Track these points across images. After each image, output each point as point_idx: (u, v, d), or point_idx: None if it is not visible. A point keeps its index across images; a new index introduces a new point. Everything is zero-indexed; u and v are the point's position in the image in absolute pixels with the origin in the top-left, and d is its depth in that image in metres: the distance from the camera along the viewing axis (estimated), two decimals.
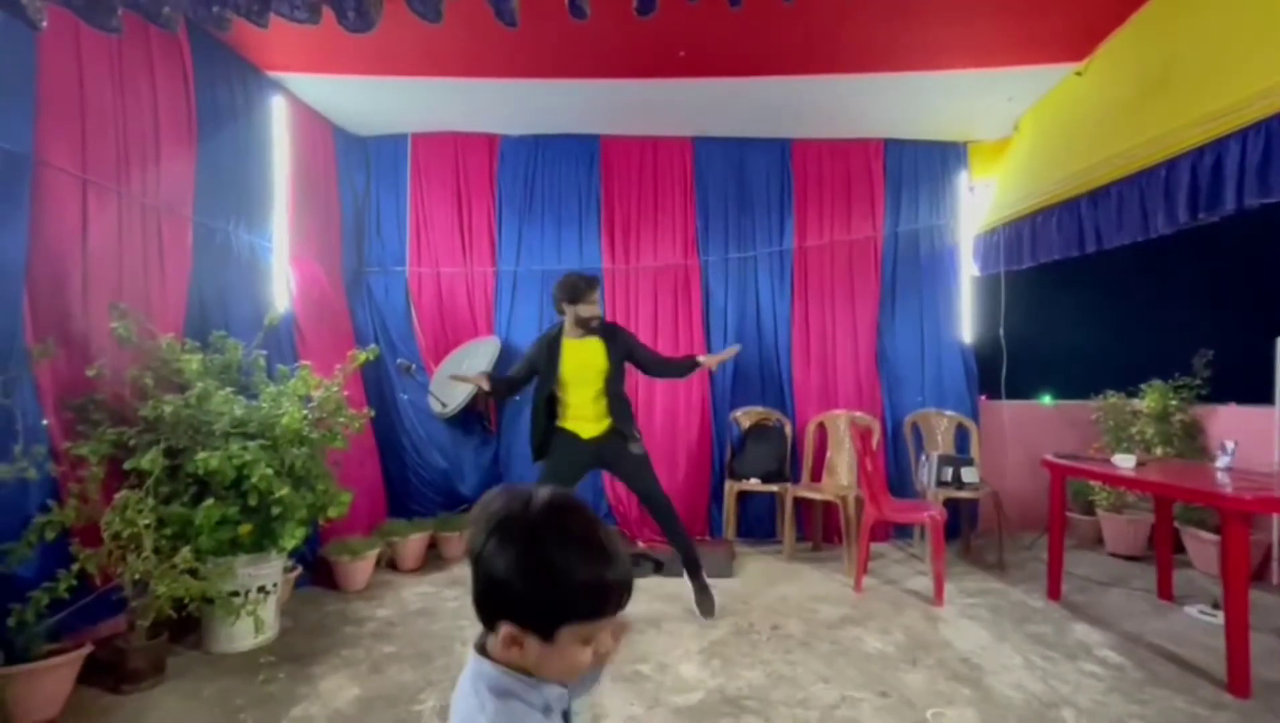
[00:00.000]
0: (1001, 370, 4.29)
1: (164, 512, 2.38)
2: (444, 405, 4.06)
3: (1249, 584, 2.34)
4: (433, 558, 3.89)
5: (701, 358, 3.26)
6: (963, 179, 4.51)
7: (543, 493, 0.81)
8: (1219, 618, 2.89)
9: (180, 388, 2.61)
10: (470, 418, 4.25)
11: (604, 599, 0.79)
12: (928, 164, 4.50)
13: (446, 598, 3.31)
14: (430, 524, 3.91)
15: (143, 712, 2.18)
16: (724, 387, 4.41)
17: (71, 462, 2.31)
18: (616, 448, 3.13)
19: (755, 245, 4.49)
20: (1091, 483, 4.01)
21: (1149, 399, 4.03)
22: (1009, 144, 4.37)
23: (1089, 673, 2.47)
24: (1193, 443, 3.92)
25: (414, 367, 4.20)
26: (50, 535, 2.18)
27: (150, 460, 2.34)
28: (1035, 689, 2.34)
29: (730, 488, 4.14)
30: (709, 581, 3.15)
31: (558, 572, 0.77)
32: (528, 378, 3.27)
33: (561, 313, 3.18)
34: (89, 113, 2.54)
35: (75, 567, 2.16)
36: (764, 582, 3.55)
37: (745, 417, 4.35)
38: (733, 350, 3.47)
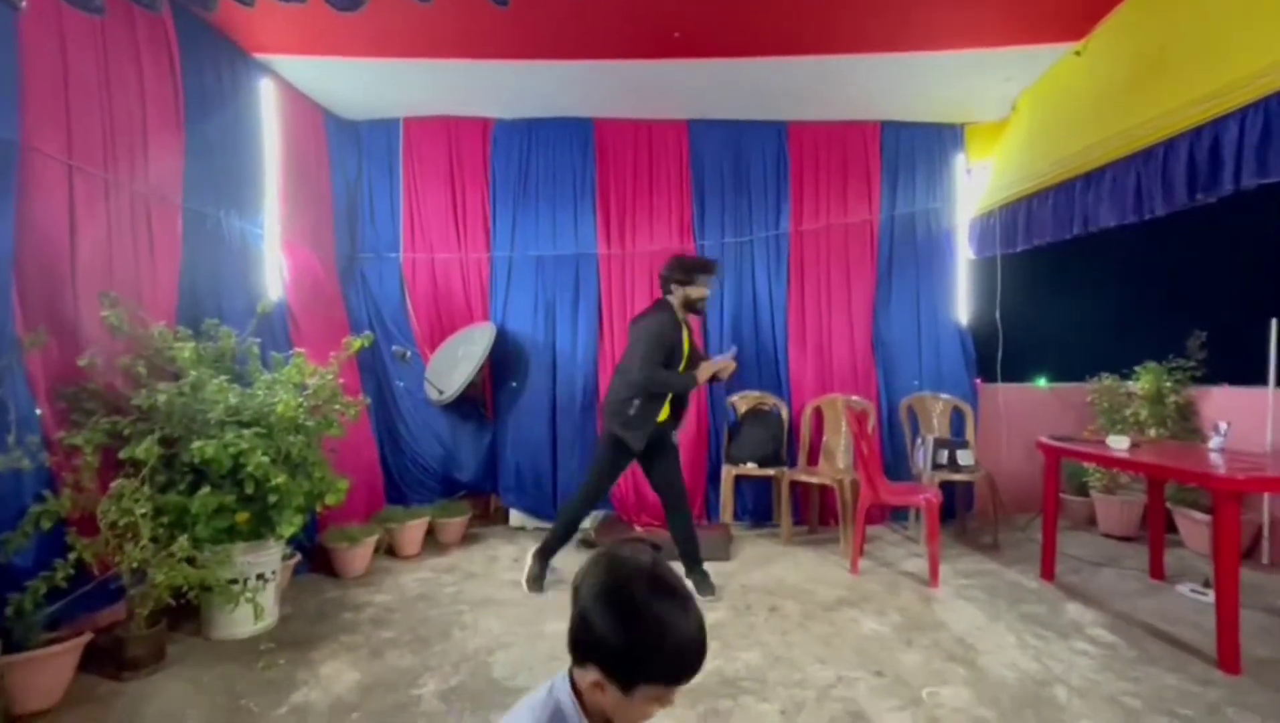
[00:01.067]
0: (997, 354, 4.29)
1: (160, 500, 2.38)
2: (441, 392, 4.05)
3: (1240, 563, 2.37)
4: (431, 545, 3.90)
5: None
6: (960, 161, 4.48)
7: (646, 561, 0.94)
8: (1210, 597, 2.93)
9: (174, 376, 2.59)
10: (467, 405, 4.24)
11: (685, 671, 0.91)
12: (925, 146, 4.47)
13: (444, 584, 3.33)
14: (428, 511, 3.92)
15: (143, 699, 2.18)
16: None
17: (65, 451, 2.30)
18: (664, 435, 3.18)
19: (752, 229, 4.47)
20: (1085, 465, 4.04)
21: (1143, 381, 4.05)
22: (1006, 125, 4.34)
23: (1081, 652, 2.50)
24: (1186, 424, 3.95)
25: (409, 353, 4.19)
26: (46, 525, 2.17)
27: (145, 449, 2.33)
28: (1029, 668, 2.37)
29: (727, 472, 4.16)
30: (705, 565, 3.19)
31: (651, 644, 0.88)
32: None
33: (670, 293, 3.14)
34: (74, 98, 2.50)
35: (73, 556, 2.16)
36: (761, 564, 3.58)
37: (742, 401, 4.36)
38: (731, 361, 3.23)
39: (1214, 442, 2.93)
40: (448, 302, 4.42)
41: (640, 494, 4.10)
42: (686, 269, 3.11)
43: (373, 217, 4.42)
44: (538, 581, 3.21)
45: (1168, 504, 3.57)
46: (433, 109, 4.30)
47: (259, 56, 3.52)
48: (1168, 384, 3.98)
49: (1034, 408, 4.65)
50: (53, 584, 2.12)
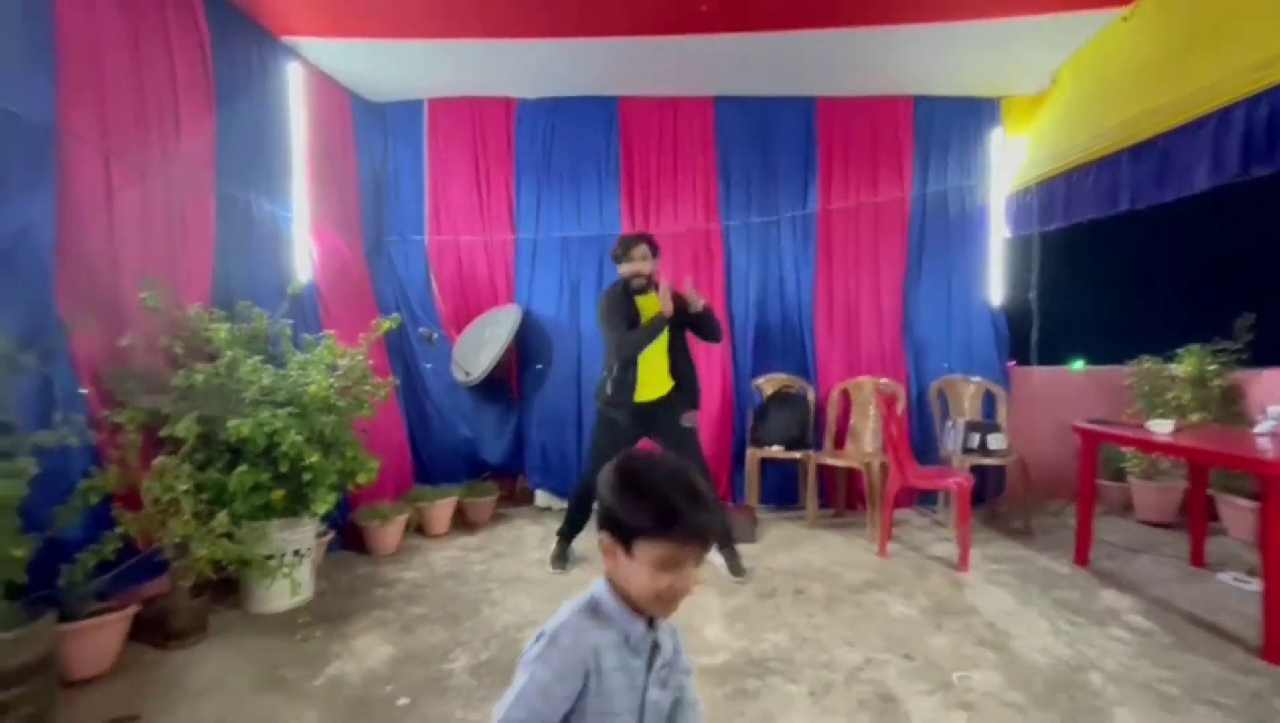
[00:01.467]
0: (1032, 335, 4.18)
1: (200, 477, 2.44)
2: (467, 374, 4.09)
3: None
4: (459, 524, 3.97)
5: (691, 308, 3.10)
6: (996, 136, 4.33)
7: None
8: (1254, 585, 2.85)
9: (209, 357, 2.65)
10: (493, 386, 4.27)
11: (670, 519, 0.94)
12: (959, 121, 4.33)
13: (473, 562, 3.38)
14: (456, 491, 3.98)
15: (188, 667, 2.27)
16: (746, 353, 4.37)
17: (110, 429, 2.37)
18: (672, 415, 3.13)
19: (779, 209, 4.39)
20: (1122, 450, 3.93)
21: (1186, 364, 3.91)
22: (1046, 98, 4.17)
23: (1116, 638, 2.45)
24: (1231, 408, 3.81)
25: (435, 335, 4.23)
26: (94, 500, 2.25)
27: (185, 428, 2.39)
28: (1062, 653, 2.33)
29: (752, 455, 4.13)
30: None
31: (636, 488, 0.98)
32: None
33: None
34: (108, 82, 2.54)
35: (119, 530, 2.24)
36: (787, 547, 3.57)
37: (768, 384, 4.32)
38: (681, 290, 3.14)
39: (1262, 426, 2.82)
40: (473, 284, 4.44)
41: None
42: (615, 251, 3.20)
43: (398, 199, 4.44)
44: (559, 560, 3.26)
45: (1210, 491, 3.46)
46: (457, 90, 4.28)
47: (286, 40, 3.53)
48: (1211, 367, 3.83)
49: (1069, 391, 4.53)
50: (101, 557, 2.20)
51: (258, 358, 2.67)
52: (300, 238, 3.62)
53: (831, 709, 2.01)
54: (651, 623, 1.03)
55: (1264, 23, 2.53)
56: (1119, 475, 4.13)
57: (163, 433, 2.43)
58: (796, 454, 4.06)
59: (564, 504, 4.26)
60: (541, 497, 4.40)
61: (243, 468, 2.48)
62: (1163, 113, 2.99)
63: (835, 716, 1.98)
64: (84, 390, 2.36)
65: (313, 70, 3.77)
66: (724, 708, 2.02)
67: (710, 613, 2.73)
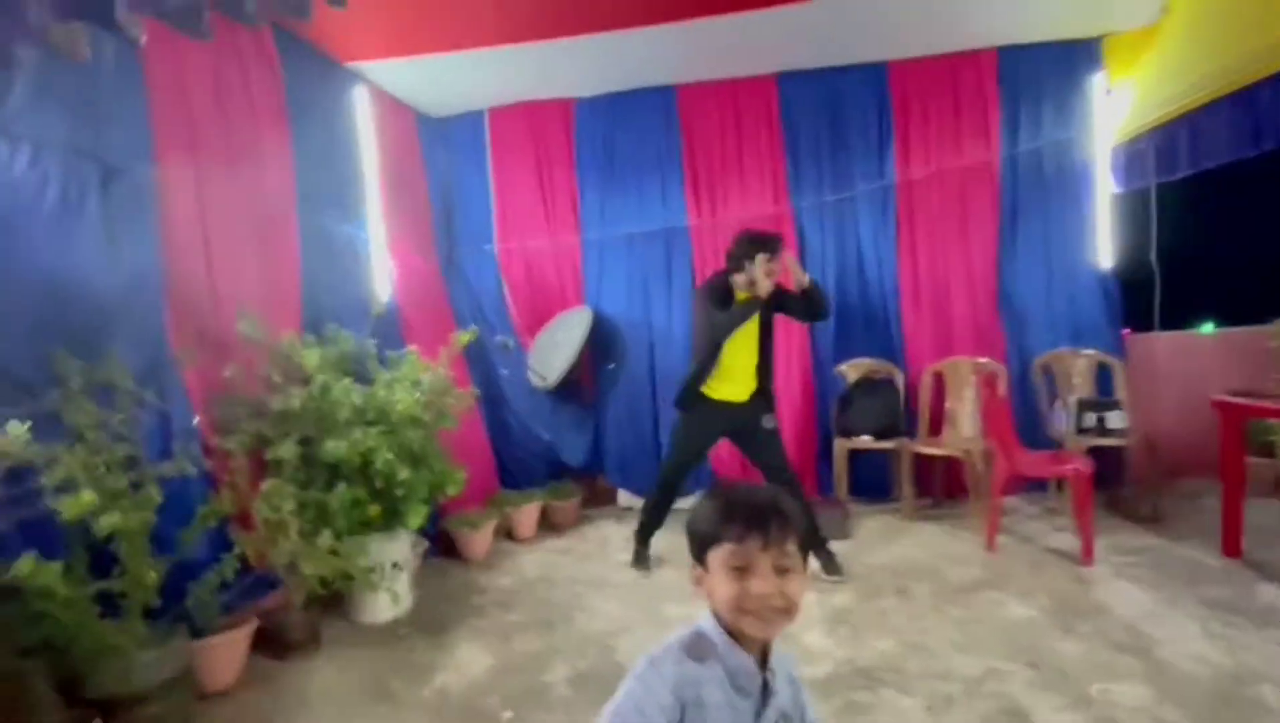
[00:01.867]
0: (1154, 299, 3.75)
1: (303, 497, 2.55)
2: (544, 379, 4.11)
3: None
4: (544, 527, 4.01)
5: (796, 287, 2.94)
6: (1097, 81, 3.89)
7: None
8: None
9: (304, 380, 2.76)
10: (569, 388, 4.28)
11: (726, 516, 0.97)
12: (1052, 69, 3.92)
13: (562, 566, 3.40)
14: (541, 495, 4.02)
15: (306, 677, 2.38)
16: (827, 339, 4.17)
17: (221, 456, 2.51)
18: (751, 418, 3.03)
19: (853, 183, 4.14)
20: (1271, 421, 3.47)
21: None
22: (1157, 30, 3.70)
23: None
24: None
25: (511, 343, 4.27)
26: (212, 523, 2.39)
27: (287, 451, 2.51)
28: (1220, 662, 2.07)
29: (840, 446, 3.94)
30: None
31: (699, 506, 1.04)
32: None
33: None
34: (196, 122, 2.67)
35: (236, 551, 2.37)
36: (884, 542, 3.39)
37: (852, 370, 4.10)
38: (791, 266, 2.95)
39: None
40: (543, 288, 4.46)
41: (744, 461, 3.95)
42: (733, 254, 2.93)
43: (466, 211, 4.51)
44: (640, 560, 3.24)
45: None
46: (515, 96, 4.29)
47: (351, 65, 3.63)
48: None
49: (1199, 359, 4.05)
50: (223, 577, 2.34)
51: (347, 379, 2.76)
52: (379, 257, 3.73)
53: None
54: (765, 663, 0.98)
55: None
56: (1268, 450, 3.66)
57: (267, 456, 2.55)
58: (889, 444, 3.84)
59: None
60: (623, 496, 4.38)
61: (342, 487, 2.58)
62: None
63: None
64: (197, 420, 2.51)
65: (378, 91, 3.86)
66: None
67: (809, 617, 2.61)
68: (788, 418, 4.11)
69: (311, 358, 2.68)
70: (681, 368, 4.12)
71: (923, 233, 4.09)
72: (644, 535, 3.27)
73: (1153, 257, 3.72)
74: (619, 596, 2.95)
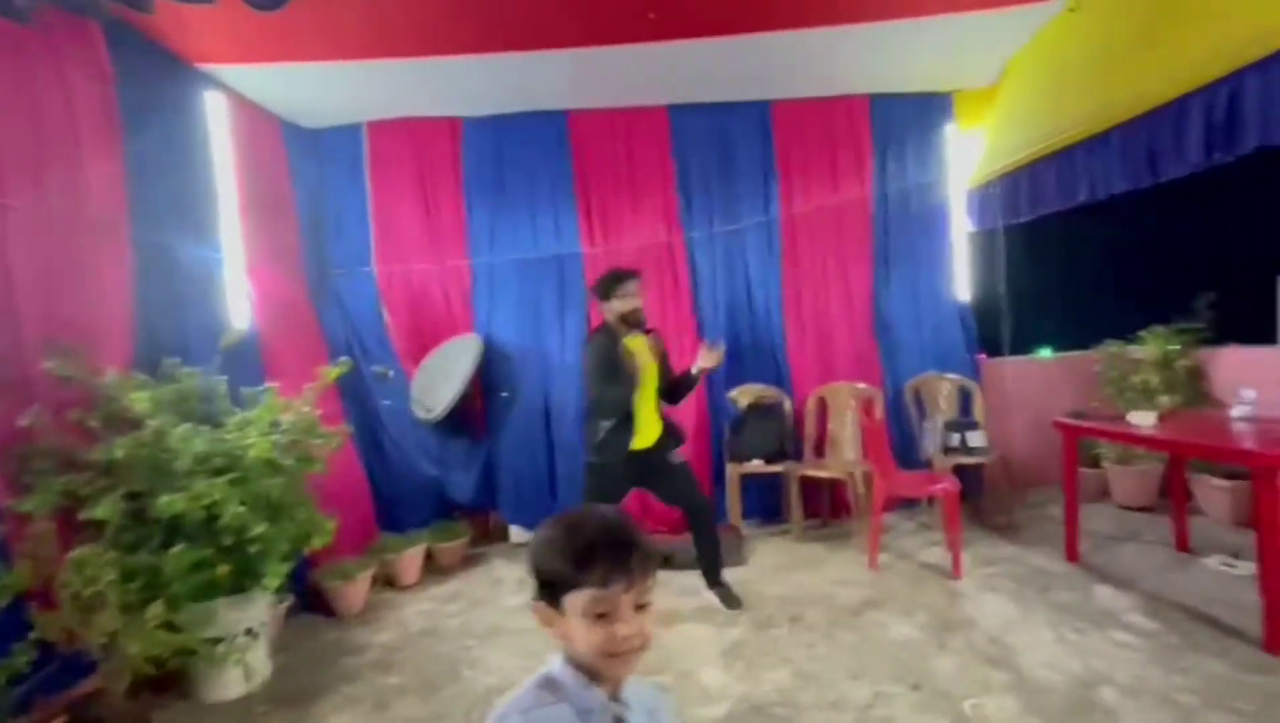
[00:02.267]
0: (1002, 327, 4.17)
1: (129, 563, 2.18)
2: (429, 410, 3.85)
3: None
4: (430, 570, 3.72)
5: (694, 368, 2.99)
6: (950, 131, 4.31)
7: None
8: (1240, 568, 2.85)
9: (133, 425, 2.37)
10: (458, 421, 4.04)
11: (587, 559, 0.87)
12: (915, 117, 4.30)
13: (449, 614, 3.16)
14: (425, 536, 3.74)
15: None
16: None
17: (16, 519, 2.09)
18: (660, 458, 2.95)
19: (741, 216, 4.28)
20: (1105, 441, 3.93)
21: (1149, 346, 3.94)
22: (997, 91, 4.17)
23: (1122, 644, 2.39)
24: (1197, 389, 3.85)
25: (390, 373, 3.98)
26: (3, 601, 1.97)
27: (107, 509, 2.13)
28: (1072, 668, 2.26)
29: (732, 471, 4.01)
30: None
31: (545, 541, 0.92)
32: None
33: (605, 312, 2.96)
34: None
35: (33, 635, 1.96)
36: (777, 568, 3.45)
37: (743, 395, 4.20)
38: (718, 352, 3.02)
39: (1238, 411, 2.82)
40: (428, 314, 4.21)
41: (646, 504, 3.92)
42: (601, 287, 2.92)
43: (340, 230, 4.17)
44: (732, 595, 2.97)
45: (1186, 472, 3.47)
46: (396, 111, 4.05)
47: (203, 67, 3.25)
48: (1174, 348, 3.87)
49: (1040, 380, 4.54)
50: (12, 668, 1.92)
51: (189, 423, 2.40)
52: (235, 281, 3.34)
53: None
54: (616, 695, 0.93)
55: (1218, 10, 2.52)
56: (1095, 461, 4.14)
57: (82, 516, 2.15)
58: (778, 467, 3.95)
59: None
60: (516, 532, 4.18)
61: (179, 547, 2.22)
62: (1121, 103, 2.98)
63: None
64: None
65: (236, 98, 3.49)
66: None
67: (706, 652, 2.58)
68: (685, 445, 4.12)
69: (141, 400, 2.31)
70: (578, 398, 4.04)
71: (805, 264, 4.29)
72: None
73: (1001, 290, 4.13)
74: (510, 645, 2.77)
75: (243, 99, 3.55)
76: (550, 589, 0.90)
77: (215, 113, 3.34)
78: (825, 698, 2.20)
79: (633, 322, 2.90)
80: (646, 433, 2.94)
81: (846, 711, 2.12)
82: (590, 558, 0.87)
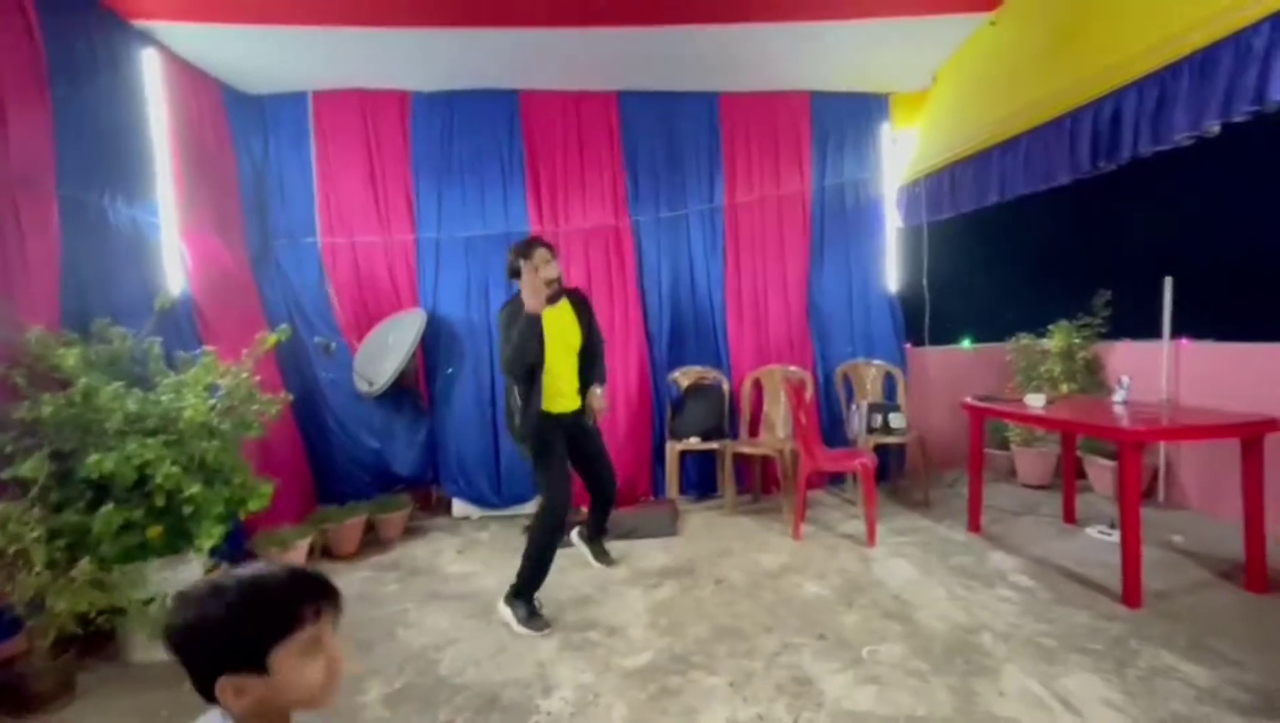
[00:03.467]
0: (925, 319, 4.46)
1: (55, 522, 2.17)
2: (371, 384, 3.87)
3: (1140, 506, 2.56)
4: (371, 542, 3.77)
5: (593, 399, 2.98)
6: (885, 131, 4.56)
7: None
8: (1115, 537, 3.18)
9: (62, 385, 2.35)
10: (401, 395, 4.07)
11: (291, 606, 0.85)
12: (852, 116, 4.52)
13: (387, 582, 3.22)
14: (366, 508, 3.77)
15: None
16: (661, 348, 4.41)
17: None
18: (580, 423, 2.95)
19: (686, 203, 4.43)
20: (1007, 421, 4.28)
21: (1056, 339, 4.30)
22: (927, 96, 4.43)
23: (1004, 598, 2.67)
24: (1094, 378, 4.23)
25: (333, 345, 3.97)
26: None
27: (32, 467, 2.12)
28: (958, 619, 2.51)
29: (671, 448, 4.18)
30: (638, 541, 3.39)
31: (226, 616, 0.83)
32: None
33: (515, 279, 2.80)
34: None
35: None
36: (707, 538, 3.64)
37: (684, 376, 4.37)
38: (601, 406, 3.02)
39: (1117, 395, 3.15)
40: (373, 287, 4.21)
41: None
42: (512, 258, 2.80)
43: (284, 199, 4.12)
44: (536, 618, 2.64)
45: (1078, 453, 3.83)
46: (344, 81, 4.01)
47: (139, 23, 3.17)
48: (1076, 341, 4.24)
49: (960, 369, 4.88)
50: None
51: (120, 383, 2.39)
52: (170, 244, 3.28)
53: (752, 698, 2.06)
54: None
55: (1107, 31, 2.79)
56: (1004, 444, 4.50)
57: (4, 475, 2.13)
58: (714, 445, 4.14)
59: (484, 512, 4.17)
60: (459, 506, 4.25)
61: (108, 507, 2.23)
62: (1025, 113, 3.25)
63: (755, 703, 2.03)
64: None
65: (174, 58, 3.40)
66: (647, 709, 2.03)
67: (635, 613, 2.73)
68: (625, 423, 4.28)
69: (68, 359, 2.29)
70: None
71: (746, 252, 4.48)
72: (534, 588, 2.71)
73: (924, 283, 4.42)
74: (447, 608, 2.87)
75: (181, 60, 3.46)
76: (244, 657, 0.83)
77: (152, 72, 3.26)
78: (739, 648, 2.38)
79: (547, 291, 2.71)
80: (568, 398, 2.90)
81: (757, 658, 2.31)
82: (296, 601, 0.86)
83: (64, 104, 2.71)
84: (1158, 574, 2.77)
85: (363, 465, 4.08)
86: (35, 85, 2.61)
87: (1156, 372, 3.77)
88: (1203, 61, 2.37)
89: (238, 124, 3.90)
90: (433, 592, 3.06)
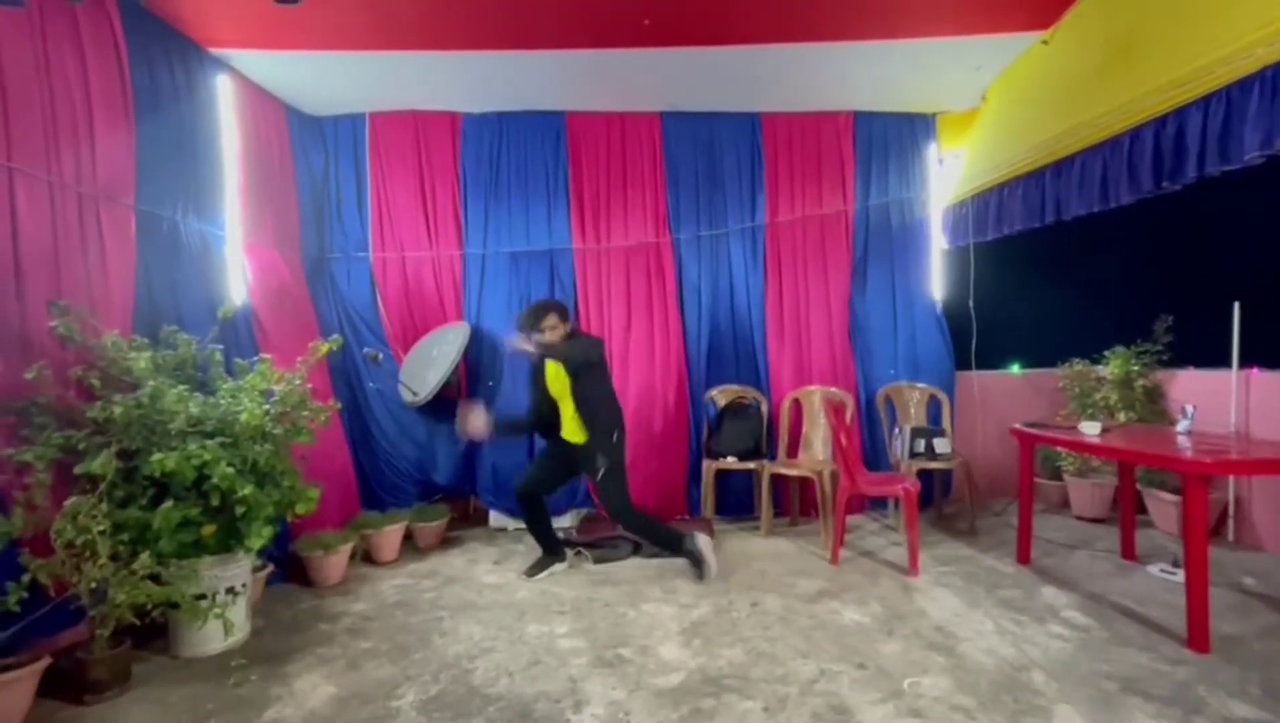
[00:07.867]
0: (971, 342, 4.34)
1: (120, 516, 2.29)
2: (415, 394, 3.97)
3: (1208, 544, 2.42)
4: (409, 550, 3.84)
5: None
6: (932, 151, 4.50)
7: None
8: (1179, 576, 3.00)
9: (131, 387, 2.49)
10: (443, 407, 4.16)
11: None
12: (897, 136, 4.48)
13: (424, 590, 3.27)
14: (405, 516, 3.85)
15: (106, 722, 2.11)
16: (699, 366, 4.40)
17: (15, 469, 2.20)
18: (588, 462, 3.31)
19: (727, 221, 4.45)
20: (1059, 450, 4.11)
21: (1112, 365, 4.12)
22: (977, 115, 4.36)
23: (1056, 635, 2.54)
24: (1154, 407, 4.03)
25: (381, 355, 4.10)
26: None
27: (102, 464, 2.24)
28: (1006, 654, 2.40)
29: (708, 467, 4.15)
30: (672, 560, 3.43)
31: None
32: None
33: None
34: (10, 96, 2.37)
35: (25, 578, 2.07)
36: (743, 558, 3.58)
37: (721, 395, 4.35)
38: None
39: (1181, 425, 2.99)
40: (420, 301, 4.34)
41: None
42: (524, 323, 3.33)
43: (340, 215, 4.31)
44: (702, 549, 3.28)
45: (1138, 486, 3.64)
46: (399, 103, 4.20)
47: (215, 51, 3.39)
48: (1135, 368, 4.05)
49: (1008, 394, 4.72)
50: (5, 608, 2.03)
51: (184, 387, 2.52)
52: (234, 257, 3.46)
53: None
54: None
55: (1168, 47, 2.70)
56: (1056, 474, 4.31)
57: (77, 470, 2.26)
58: (751, 465, 4.09)
59: (520, 524, 4.20)
60: (495, 517, 4.30)
61: (169, 504, 2.34)
62: (1081, 131, 3.16)
63: None
64: None
65: (245, 83, 3.63)
66: None
67: (667, 631, 2.70)
68: (662, 441, 4.27)
69: (140, 362, 2.43)
70: None
71: (787, 271, 4.46)
72: (679, 542, 3.32)
73: (971, 305, 4.31)
74: (481, 618, 2.89)
75: (251, 84, 3.68)
76: None
77: (224, 96, 3.47)
78: (774, 673, 2.33)
79: (547, 351, 3.22)
80: (574, 433, 3.36)
81: (792, 684, 2.25)
82: None
83: (145, 126, 2.91)
84: (1227, 618, 2.60)
85: (404, 474, 4.18)
86: (122, 109, 2.81)
87: (1224, 402, 3.57)
88: (1275, 77, 2.27)
89: (299, 143, 4.11)
90: (468, 601, 3.09)
